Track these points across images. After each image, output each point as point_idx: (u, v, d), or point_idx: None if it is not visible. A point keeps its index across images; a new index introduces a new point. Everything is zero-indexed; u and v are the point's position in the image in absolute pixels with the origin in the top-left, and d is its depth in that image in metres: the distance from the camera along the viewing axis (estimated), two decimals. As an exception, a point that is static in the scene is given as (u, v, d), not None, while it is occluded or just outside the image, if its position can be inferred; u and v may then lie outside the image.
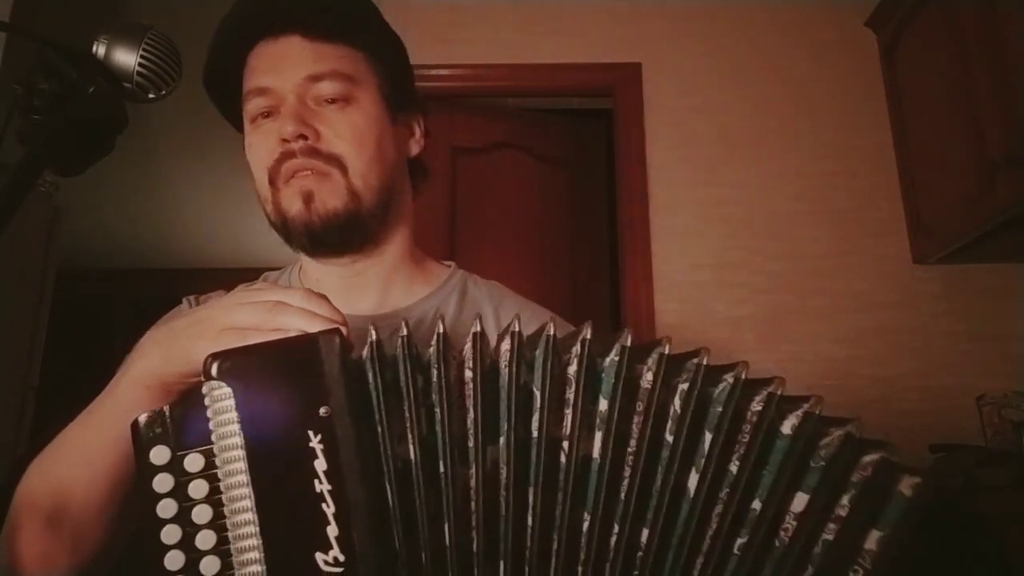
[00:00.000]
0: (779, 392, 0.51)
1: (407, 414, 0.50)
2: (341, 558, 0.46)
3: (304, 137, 0.74)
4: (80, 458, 0.59)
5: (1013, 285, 2.26)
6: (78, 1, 2.14)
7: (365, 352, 0.50)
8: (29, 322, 2.58)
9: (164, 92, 0.64)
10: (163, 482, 0.47)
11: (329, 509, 0.46)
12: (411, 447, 0.49)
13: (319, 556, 0.46)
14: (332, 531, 0.46)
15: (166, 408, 0.49)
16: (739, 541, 0.50)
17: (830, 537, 0.50)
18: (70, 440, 0.60)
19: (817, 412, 0.51)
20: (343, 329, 0.51)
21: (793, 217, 2.35)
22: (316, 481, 0.47)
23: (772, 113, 2.44)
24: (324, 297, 0.55)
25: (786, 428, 0.50)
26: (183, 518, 0.47)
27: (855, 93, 2.44)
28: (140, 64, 0.61)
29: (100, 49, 0.61)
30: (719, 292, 2.29)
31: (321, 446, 0.47)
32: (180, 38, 0.67)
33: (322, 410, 0.48)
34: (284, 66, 0.76)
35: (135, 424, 0.48)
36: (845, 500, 0.50)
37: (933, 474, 1.68)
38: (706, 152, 2.41)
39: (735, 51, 2.50)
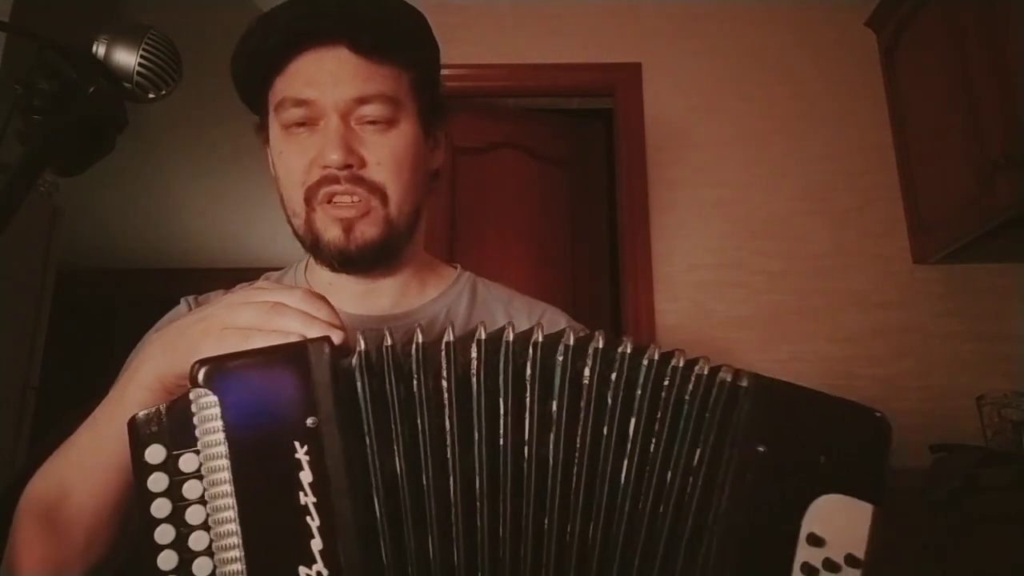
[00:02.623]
0: (680, 363, 0.52)
1: (392, 425, 0.49)
2: (325, 572, 0.45)
3: (349, 165, 0.73)
4: (91, 463, 0.58)
5: (1013, 285, 2.26)
6: (78, 1, 2.14)
7: (354, 361, 0.50)
8: (29, 322, 2.58)
9: (164, 92, 0.64)
10: (158, 481, 0.46)
11: (314, 522, 0.46)
12: (397, 458, 0.49)
13: (303, 570, 0.45)
14: (316, 545, 0.45)
15: (163, 407, 0.48)
16: (660, 513, 0.51)
17: (717, 478, 0.51)
18: (80, 445, 0.60)
19: (705, 371, 0.52)
20: (336, 335, 0.50)
21: (793, 217, 2.35)
22: (301, 493, 0.46)
23: (772, 113, 2.44)
24: (323, 298, 0.55)
25: (687, 394, 0.52)
26: (177, 518, 0.46)
27: (855, 93, 2.44)
28: (140, 64, 0.61)
29: (100, 49, 0.61)
30: (719, 292, 2.29)
31: (307, 457, 0.46)
32: (180, 38, 0.67)
33: (309, 420, 0.47)
34: (330, 82, 0.74)
35: (132, 421, 0.48)
36: (727, 440, 0.52)
37: (932, 475, 1.68)
38: (706, 152, 2.41)
39: (735, 51, 2.50)
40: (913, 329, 2.25)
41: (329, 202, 0.74)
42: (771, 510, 0.51)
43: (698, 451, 0.52)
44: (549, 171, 2.65)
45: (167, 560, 0.46)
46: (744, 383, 0.52)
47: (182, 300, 0.84)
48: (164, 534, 0.46)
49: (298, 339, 0.50)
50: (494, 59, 2.48)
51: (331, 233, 0.75)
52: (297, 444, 0.46)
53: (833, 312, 2.27)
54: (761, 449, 0.51)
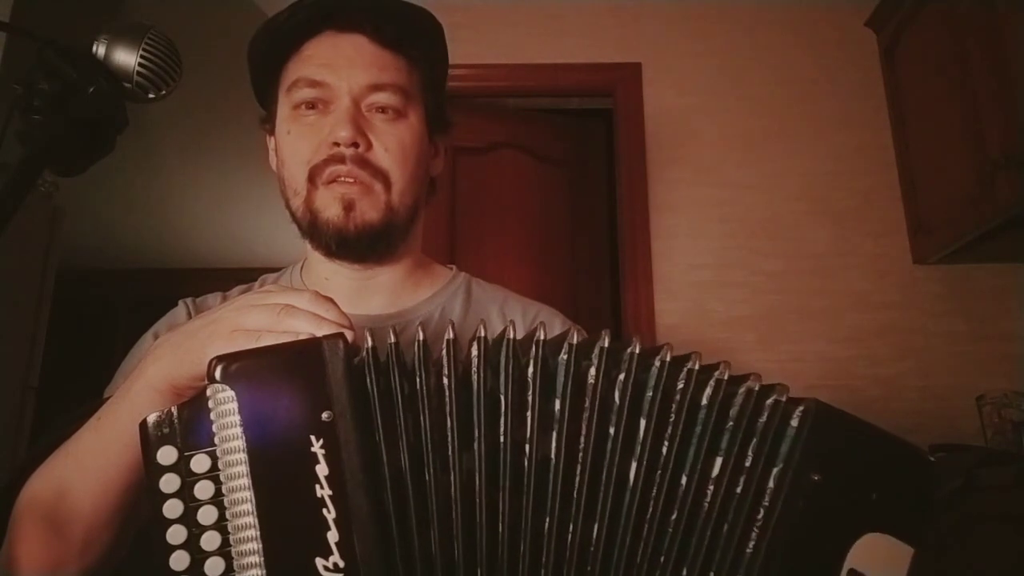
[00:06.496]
0: (696, 366, 0.52)
1: (397, 421, 0.50)
2: (341, 563, 0.46)
3: (356, 145, 0.74)
4: (92, 463, 0.58)
5: (1013, 285, 2.26)
6: (78, 1, 2.14)
7: (364, 358, 0.50)
8: (29, 322, 2.57)
9: (164, 92, 0.64)
10: (170, 482, 0.47)
11: (330, 514, 0.46)
12: (402, 454, 0.49)
13: (319, 561, 0.46)
14: (332, 536, 0.46)
15: (174, 409, 0.49)
16: (672, 519, 0.51)
17: (739, 490, 0.51)
18: (82, 445, 0.60)
19: (726, 377, 0.52)
20: (348, 333, 0.51)
21: (793, 217, 2.35)
22: (317, 486, 0.47)
23: (772, 113, 2.44)
24: (331, 300, 0.55)
25: (704, 399, 0.52)
26: (189, 518, 0.47)
27: (855, 93, 2.44)
28: (140, 64, 0.61)
29: (100, 49, 0.61)
30: (719, 292, 2.29)
31: (323, 451, 0.47)
32: (180, 38, 0.67)
33: (324, 415, 0.48)
34: (345, 66, 0.76)
35: (143, 424, 0.48)
36: (749, 451, 0.52)
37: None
38: (706, 152, 2.41)
39: (735, 51, 2.50)
40: (913, 329, 2.25)
41: (332, 182, 0.75)
42: (817, 541, 0.50)
43: (719, 460, 0.52)
44: (549, 171, 2.65)
45: (179, 560, 0.46)
46: (783, 398, 0.52)
47: (180, 302, 0.84)
48: (176, 534, 0.46)
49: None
50: (494, 59, 2.47)
51: (331, 211, 0.75)
52: (313, 438, 0.47)
53: (833, 312, 2.27)
54: (816, 478, 0.50)
